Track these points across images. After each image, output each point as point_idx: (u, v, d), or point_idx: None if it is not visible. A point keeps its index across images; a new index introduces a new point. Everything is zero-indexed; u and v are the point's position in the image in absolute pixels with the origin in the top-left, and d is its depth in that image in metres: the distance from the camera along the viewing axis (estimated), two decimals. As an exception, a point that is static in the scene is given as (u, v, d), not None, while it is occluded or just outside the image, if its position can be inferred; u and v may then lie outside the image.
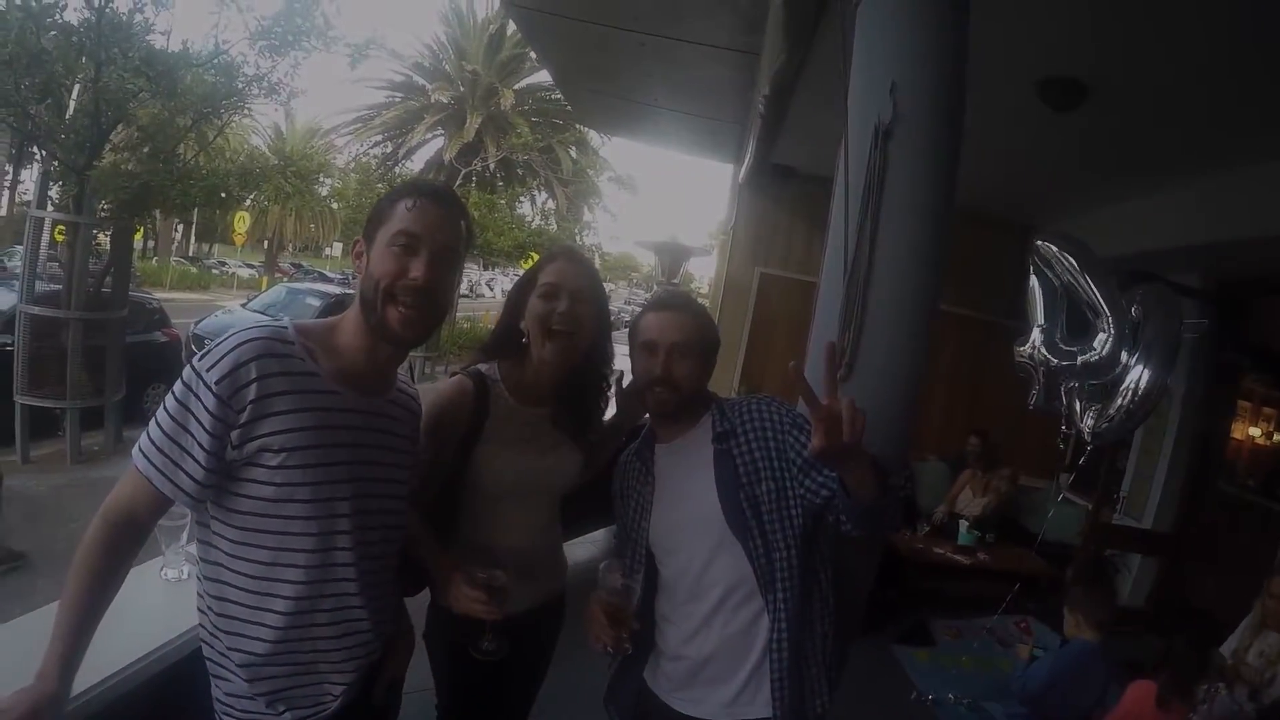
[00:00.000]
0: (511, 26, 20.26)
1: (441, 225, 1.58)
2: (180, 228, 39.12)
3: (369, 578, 1.61)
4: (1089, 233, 5.62)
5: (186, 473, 1.41)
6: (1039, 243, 3.95)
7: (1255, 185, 4.60)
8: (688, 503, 1.94)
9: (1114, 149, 4.87)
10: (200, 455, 1.40)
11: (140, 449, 1.44)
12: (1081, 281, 3.77)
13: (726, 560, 1.87)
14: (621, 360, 2.15)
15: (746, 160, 6.71)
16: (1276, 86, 3.54)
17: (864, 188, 2.16)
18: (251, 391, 1.41)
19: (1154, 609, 6.37)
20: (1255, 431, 7.86)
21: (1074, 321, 3.87)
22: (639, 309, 2.16)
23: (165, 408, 1.43)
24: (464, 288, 23.31)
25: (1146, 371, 3.66)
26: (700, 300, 3.98)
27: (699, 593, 1.92)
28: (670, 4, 4.22)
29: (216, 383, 1.39)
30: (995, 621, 5.23)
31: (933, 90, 2.19)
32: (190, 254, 41.03)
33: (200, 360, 1.43)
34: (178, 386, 1.43)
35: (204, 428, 1.39)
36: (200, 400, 1.39)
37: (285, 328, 1.53)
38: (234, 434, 1.41)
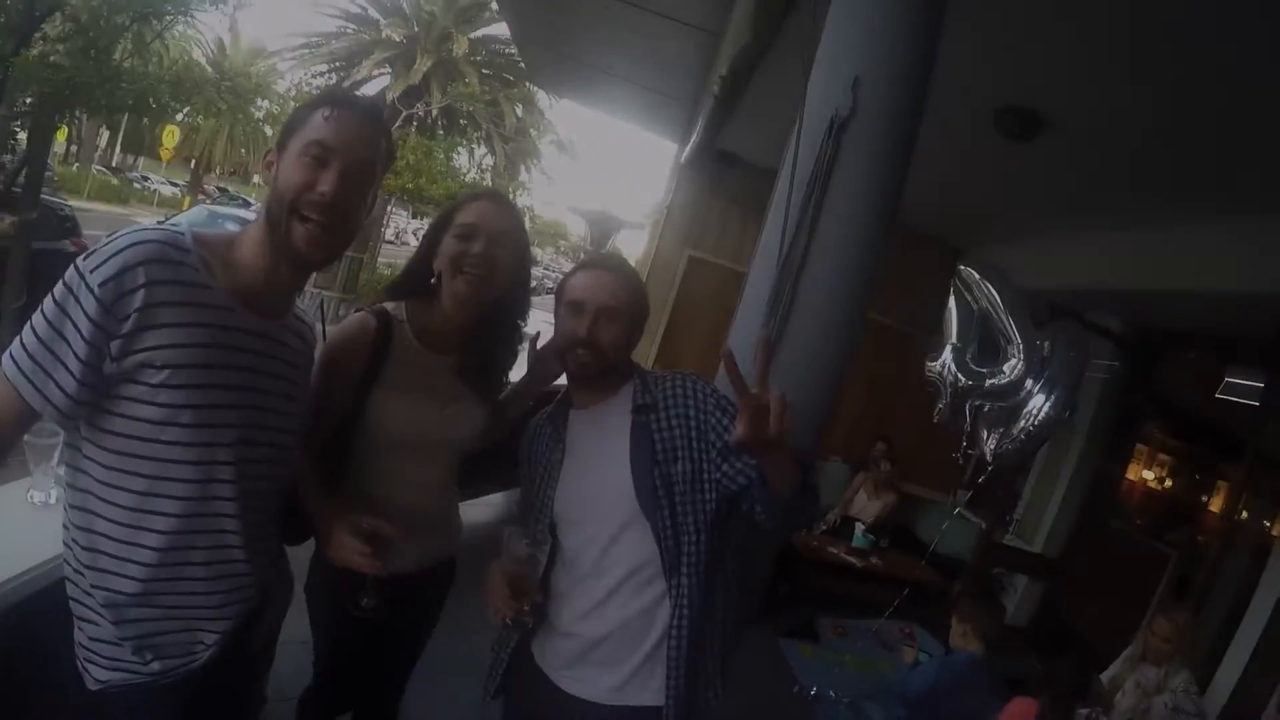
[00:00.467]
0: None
1: (359, 139, 1.48)
2: (106, 135, 37.62)
3: (250, 515, 1.50)
4: (1019, 263, 5.74)
5: (58, 384, 1.28)
6: (963, 267, 4.02)
7: (1182, 242, 4.75)
8: (598, 474, 1.87)
9: (1056, 185, 4.96)
10: (75, 366, 1.27)
11: (11, 353, 1.30)
12: (998, 309, 3.85)
13: (633, 538, 1.81)
14: (539, 324, 2.08)
15: (692, 141, 6.67)
16: (1216, 156, 3.68)
17: (810, 177, 2.13)
18: (137, 299, 1.28)
19: (1035, 630, 6.59)
20: (1149, 475, 8.19)
21: (986, 345, 3.96)
22: (560, 276, 2.09)
23: (43, 310, 1.29)
24: (390, 234, 22.84)
25: (1048, 400, 3.75)
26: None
27: (601, 569, 1.85)
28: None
29: (100, 285, 1.26)
30: (881, 624, 5.33)
31: (895, 90, 2.18)
32: (113, 164, 39.30)
33: (85, 260, 1.29)
34: (58, 288, 1.29)
35: (81, 335, 1.26)
36: (80, 304, 1.26)
37: (182, 234, 1.40)
38: (114, 345, 1.28)
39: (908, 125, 2.23)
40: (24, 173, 7.61)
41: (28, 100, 7.48)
